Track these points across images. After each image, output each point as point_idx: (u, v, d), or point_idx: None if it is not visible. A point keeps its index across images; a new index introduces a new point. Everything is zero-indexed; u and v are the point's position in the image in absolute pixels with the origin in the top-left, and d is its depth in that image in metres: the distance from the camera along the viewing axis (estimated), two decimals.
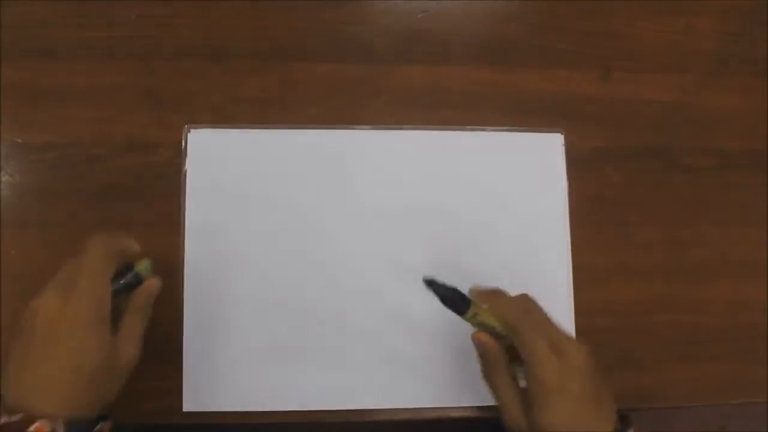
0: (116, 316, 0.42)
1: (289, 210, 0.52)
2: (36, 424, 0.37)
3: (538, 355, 0.39)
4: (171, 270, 0.49)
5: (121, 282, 0.43)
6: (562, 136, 0.56)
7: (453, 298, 0.42)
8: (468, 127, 0.56)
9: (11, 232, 0.51)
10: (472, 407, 0.53)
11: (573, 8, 0.59)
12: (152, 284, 0.45)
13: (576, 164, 0.57)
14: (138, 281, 0.43)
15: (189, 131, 0.53)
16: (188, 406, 0.49)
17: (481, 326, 0.43)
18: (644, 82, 0.59)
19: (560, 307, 0.54)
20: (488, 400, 0.48)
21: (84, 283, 0.41)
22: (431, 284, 0.42)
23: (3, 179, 0.52)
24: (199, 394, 0.49)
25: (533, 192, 0.55)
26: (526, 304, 0.43)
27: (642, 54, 0.59)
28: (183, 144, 0.52)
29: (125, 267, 0.43)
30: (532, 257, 0.54)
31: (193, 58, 0.55)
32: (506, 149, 0.55)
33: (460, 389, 0.52)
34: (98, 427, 0.40)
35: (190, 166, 0.52)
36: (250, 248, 0.52)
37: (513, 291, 0.50)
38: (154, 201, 0.53)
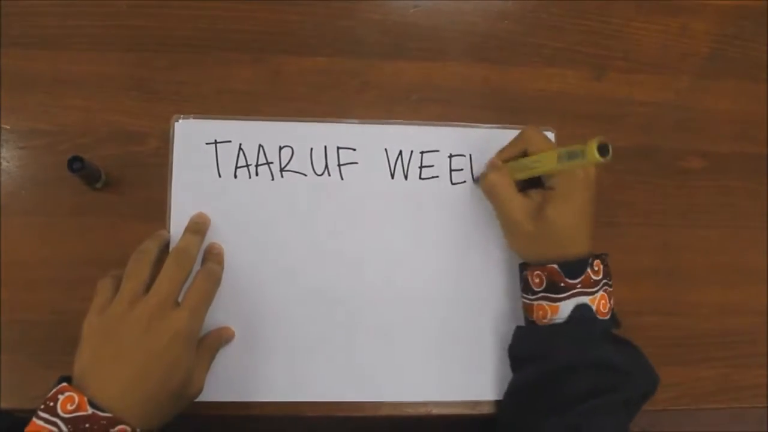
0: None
1: (276, 201, 0.55)
2: (119, 427, 0.42)
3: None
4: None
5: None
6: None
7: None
8: (458, 123, 0.57)
9: None
10: (456, 402, 0.54)
11: (568, 7, 0.61)
12: (229, 334, 0.53)
13: None
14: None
15: (177, 121, 0.54)
16: None
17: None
18: (637, 82, 0.61)
19: None
20: (470, 395, 0.51)
21: (205, 307, 0.48)
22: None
23: None
24: None
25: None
26: (534, 134, 0.52)
27: (636, 54, 0.62)
28: (170, 134, 0.54)
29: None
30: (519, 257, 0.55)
31: (183, 49, 0.57)
32: (496, 146, 0.57)
33: (446, 383, 0.54)
34: None
35: (177, 156, 0.54)
36: (235, 239, 0.54)
37: (499, 290, 0.52)
38: (140, 191, 0.55)
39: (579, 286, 0.48)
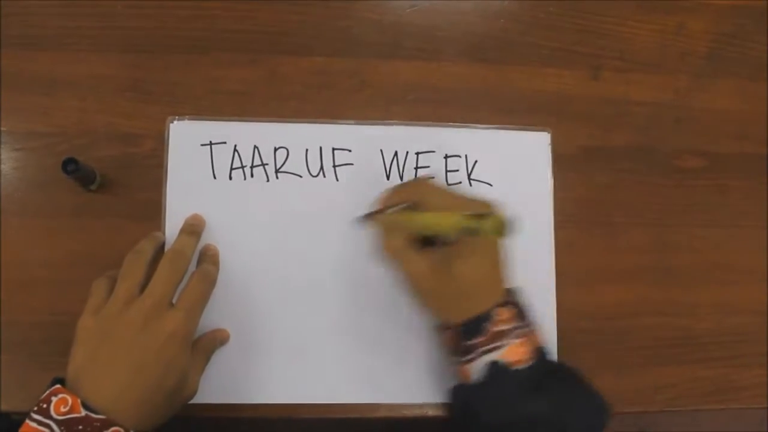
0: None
1: (270, 201, 0.55)
2: (112, 428, 0.42)
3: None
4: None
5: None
6: (549, 134, 0.58)
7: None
8: (454, 123, 0.57)
9: None
10: None
11: (564, 6, 0.61)
12: (224, 336, 0.53)
13: (562, 164, 0.59)
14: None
15: (172, 122, 0.54)
16: None
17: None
18: (635, 81, 0.61)
19: (543, 308, 0.57)
20: None
21: (200, 308, 0.48)
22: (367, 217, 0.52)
23: None
24: None
25: (518, 191, 0.57)
26: (429, 186, 0.48)
27: (633, 53, 0.61)
28: (165, 135, 0.54)
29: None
30: (514, 257, 0.55)
31: (178, 50, 0.57)
32: (492, 147, 0.58)
33: (442, 385, 0.54)
34: None
35: (172, 157, 0.55)
36: (230, 240, 0.55)
37: None
38: (136, 192, 0.55)
39: (484, 344, 0.46)
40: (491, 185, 0.57)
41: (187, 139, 0.55)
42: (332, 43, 0.59)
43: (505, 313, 0.46)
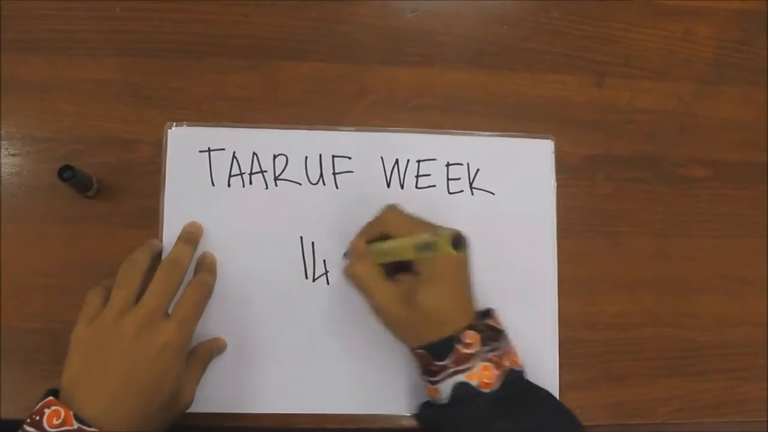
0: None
1: (269, 209, 0.55)
2: None
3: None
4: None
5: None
6: (552, 142, 0.57)
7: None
8: (455, 131, 0.56)
9: None
10: None
11: (568, 11, 0.61)
12: (220, 345, 0.52)
13: (565, 172, 0.58)
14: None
15: (170, 128, 0.53)
16: None
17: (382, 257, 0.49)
18: (639, 89, 0.60)
19: (545, 318, 0.56)
20: None
21: (195, 318, 0.48)
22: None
23: None
24: None
25: (520, 199, 0.57)
26: (392, 214, 0.50)
27: (638, 60, 0.61)
28: (163, 141, 0.53)
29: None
30: (516, 266, 0.56)
31: (177, 54, 0.57)
32: (494, 154, 0.57)
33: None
34: None
35: (170, 163, 0.54)
36: (228, 247, 0.54)
37: (497, 301, 0.51)
38: (133, 198, 0.55)
39: (452, 365, 0.46)
40: (493, 194, 0.56)
41: (185, 146, 0.54)
42: (332, 49, 0.58)
43: (472, 336, 0.46)
